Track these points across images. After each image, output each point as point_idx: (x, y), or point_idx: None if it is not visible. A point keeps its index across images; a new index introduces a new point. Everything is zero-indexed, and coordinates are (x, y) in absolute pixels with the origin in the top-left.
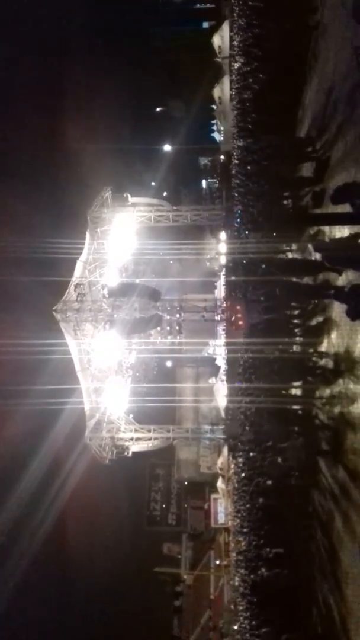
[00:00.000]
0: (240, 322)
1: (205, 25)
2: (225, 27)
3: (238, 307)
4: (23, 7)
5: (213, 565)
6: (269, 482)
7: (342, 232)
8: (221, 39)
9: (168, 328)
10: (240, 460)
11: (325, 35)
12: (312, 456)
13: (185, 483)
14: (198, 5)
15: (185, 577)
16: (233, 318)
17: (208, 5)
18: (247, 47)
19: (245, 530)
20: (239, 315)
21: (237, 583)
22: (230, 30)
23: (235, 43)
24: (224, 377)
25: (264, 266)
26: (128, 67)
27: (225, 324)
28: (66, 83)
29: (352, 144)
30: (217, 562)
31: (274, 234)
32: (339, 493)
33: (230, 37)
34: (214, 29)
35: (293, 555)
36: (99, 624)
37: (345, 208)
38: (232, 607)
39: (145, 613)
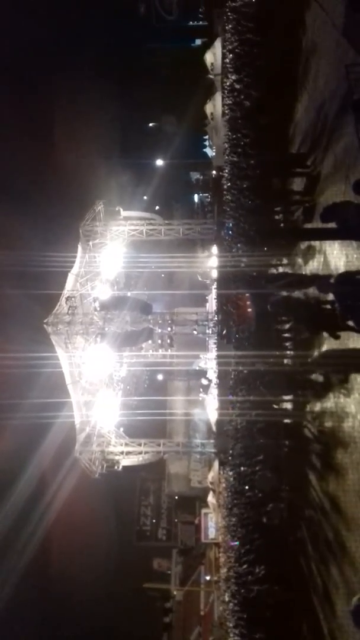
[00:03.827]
0: (248, 311)
1: (198, 42)
2: (218, 44)
3: (243, 299)
4: (16, 22)
5: (203, 581)
6: (260, 495)
7: (332, 246)
8: (213, 56)
9: (159, 341)
10: (231, 474)
11: (316, 53)
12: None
13: (176, 497)
14: (191, 22)
15: (175, 593)
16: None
17: (201, 23)
18: (239, 64)
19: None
20: (246, 304)
21: (227, 599)
22: (223, 48)
23: (227, 60)
24: (215, 390)
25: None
26: (121, 82)
27: (216, 337)
28: (59, 98)
29: (342, 159)
30: (208, 577)
31: (265, 248)
32: (329, 507)
33: (223, 54)
34: (207, 46)
35: (283, 570)
36: None
37: (335, 224)
38: (222, 623)
39: (135, 629)
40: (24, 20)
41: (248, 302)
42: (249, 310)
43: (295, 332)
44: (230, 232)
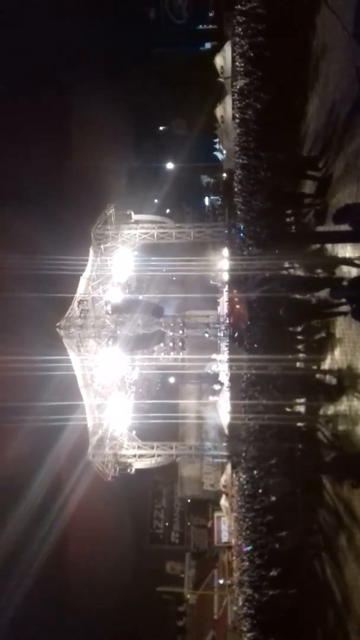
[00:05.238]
0: (241, 312)
1: (208, 46)
2: (228, 47)
3: (237, 300)
4: (27, 29)
5: (216, 585)
6: (273, 499)
7: (344, 249)
8: (223, 59)
9: (171, 344)
10: (243, 477)
11: (327, 56)
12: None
13: (189, 501)
14: (200, 26)
15: (188, 596)
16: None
17: (210, 26)
18: (248, 67)
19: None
20: (238, 307)
21: (241, 603)
22: (233, 51)
23: (238, 63)
24: (227, 393)
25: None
26: (132, 86)
27: (228, 340)
28: (70, 102)
29: (354, 161)
30: (221, 581)
31: (276, 251)
32: (343, 511)
33: (233, 57)
34: (217, 49)
35: (297, 573)
36: None
37: (347, 226)
38: (235, 627)
39: (148, 633)
40: (35, 29)
41: (237, 300)
42: (239, 308)
43: (308, 335)
44: (241, 234)
